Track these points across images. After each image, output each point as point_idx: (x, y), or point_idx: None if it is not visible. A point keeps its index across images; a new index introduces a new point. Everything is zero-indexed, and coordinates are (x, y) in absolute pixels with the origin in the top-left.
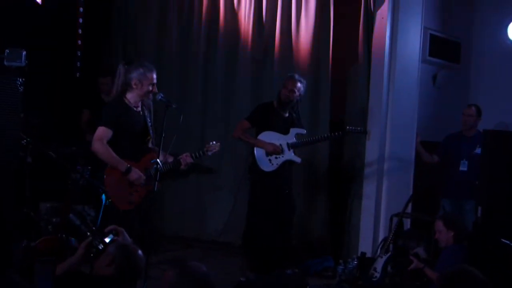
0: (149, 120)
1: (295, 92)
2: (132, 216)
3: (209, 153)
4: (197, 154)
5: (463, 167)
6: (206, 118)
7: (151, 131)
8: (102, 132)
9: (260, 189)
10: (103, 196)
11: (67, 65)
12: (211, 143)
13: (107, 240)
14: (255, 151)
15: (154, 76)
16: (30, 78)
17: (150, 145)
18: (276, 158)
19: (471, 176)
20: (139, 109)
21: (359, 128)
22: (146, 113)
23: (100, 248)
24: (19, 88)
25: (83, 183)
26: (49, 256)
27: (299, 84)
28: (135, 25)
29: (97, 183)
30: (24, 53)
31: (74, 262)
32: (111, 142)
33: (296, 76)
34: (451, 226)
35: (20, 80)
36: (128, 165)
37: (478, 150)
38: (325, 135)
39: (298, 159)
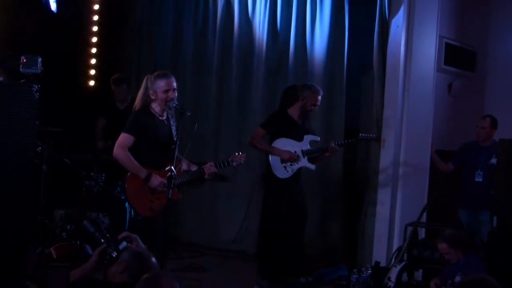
0: (174, 129)
1: (317, 105)
2: (155, 223)
3: (234, 164)
4: (221, 164)
5: (478, 178)
6: (220, 126)
7: (175, 140)
8: (124, 139)
9: (273, 197)
10: (127, 204)
11: (82, 73)
12: (236, 153)
13: (120, 247)
14: (270, 159)
15: (170, 82)
16: (45, 86)
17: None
18: (291, 165)
19: (487, 187)
20: (164, 118)
21: (372, 135)
22: (172, 122)
23: (114, 255)
24: (35, 94)
25: (98, 190)
26: (63, 262)
27: (320, 97)
28: (150, 33)
29: (113, 191)
30: (39, 59)
31: (88, 269)
32: (135, 150)
33: (321, 91)
34: (456, 245)
35: (36, 86)
36: (148, 172)
37: (494, 161)
38: (339, 142)
39: (312, 166)
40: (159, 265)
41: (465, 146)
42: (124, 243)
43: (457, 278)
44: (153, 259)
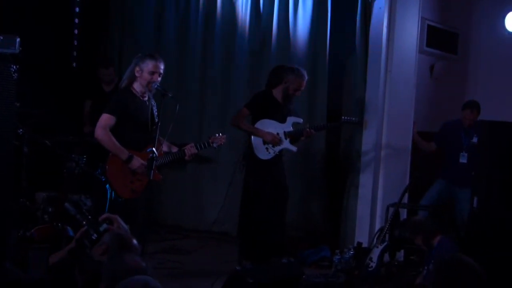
0: (155, 110)
1: (301, 90)
2: (136, 204)
3: (215, 145)
4: (201, 145)
5: (463, 160)
6: (203, 108)
7: (156, 121)
8: (106, 120)
9: (255, 178)
10: (108, 186)
11: (64, 55)
12: (216, 135)
13: (101, 229)
14: (252, 139)
15: (158, 65)
16: (26, 68)
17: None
18: (273, 146)
19: (470, 167)
20: (146, 98)
21: (353, 119)
22: (153, 103)
23: (94, 237)
24: (13, 75)
25: (78, 171)
26: (44, 244)
27: (305, 82)
28: (133, 14)
29: (94, 172)
30: (18, 39)
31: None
32: (116, 130)
33: (305, 76)
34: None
35: (14, 67)
36: (130, 154)
37: (475, 139)
38: (321, 124)
39: (294, 148)
40: (140, 247)
41: (446, 126)
42: (105, 225)
43: (431, 266)
44: (134, 241)
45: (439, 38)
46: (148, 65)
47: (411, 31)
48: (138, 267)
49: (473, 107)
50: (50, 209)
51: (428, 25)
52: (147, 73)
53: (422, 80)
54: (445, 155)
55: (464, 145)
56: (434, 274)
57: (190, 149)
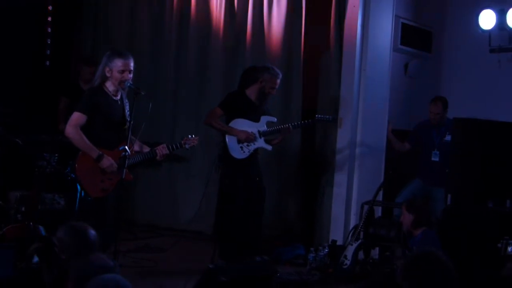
0: (127, 109)
1: (276, 89)
2: (105, 203)
3: (187, 146)
4: (174, 146)
5: (434, 158)
6: (178, 106)
7: (128, 120)
8: (77, 118)
9: (230, 177)
10: (78, 185)
11: (37, 54)
12: (189, 136)
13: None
14: (226, 139)
15: (127, 63)
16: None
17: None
18: (247, 145)
19: (442, 165)
20: (118, 97)
21: (328, 117)
22: (125, 101)
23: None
24: None
25: (50, 170)
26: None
27: (279, 80)
28: (106, 12)
29: (64, 171)
30: None
31: None
32: (87, 129)
33: (280, 74)
34: (411, 209)
35: None
36: (100, 152)
37: (448, 137)
38: (295, 123)
39: (269, 147)
40: (112, 246)
41: (419, 125)
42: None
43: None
44: (91, 231)
45: (413, 36)
46: (117, 64)
47: (385, 29)
48: (106, 265)
49: (437, 100)
50: (23, 209)
51: (402, 23)
52: (117, 72)
53: (397, 78)
54: (419, 154)
55: (436, 143)
56: (404, 267)
57: (161, 150)
